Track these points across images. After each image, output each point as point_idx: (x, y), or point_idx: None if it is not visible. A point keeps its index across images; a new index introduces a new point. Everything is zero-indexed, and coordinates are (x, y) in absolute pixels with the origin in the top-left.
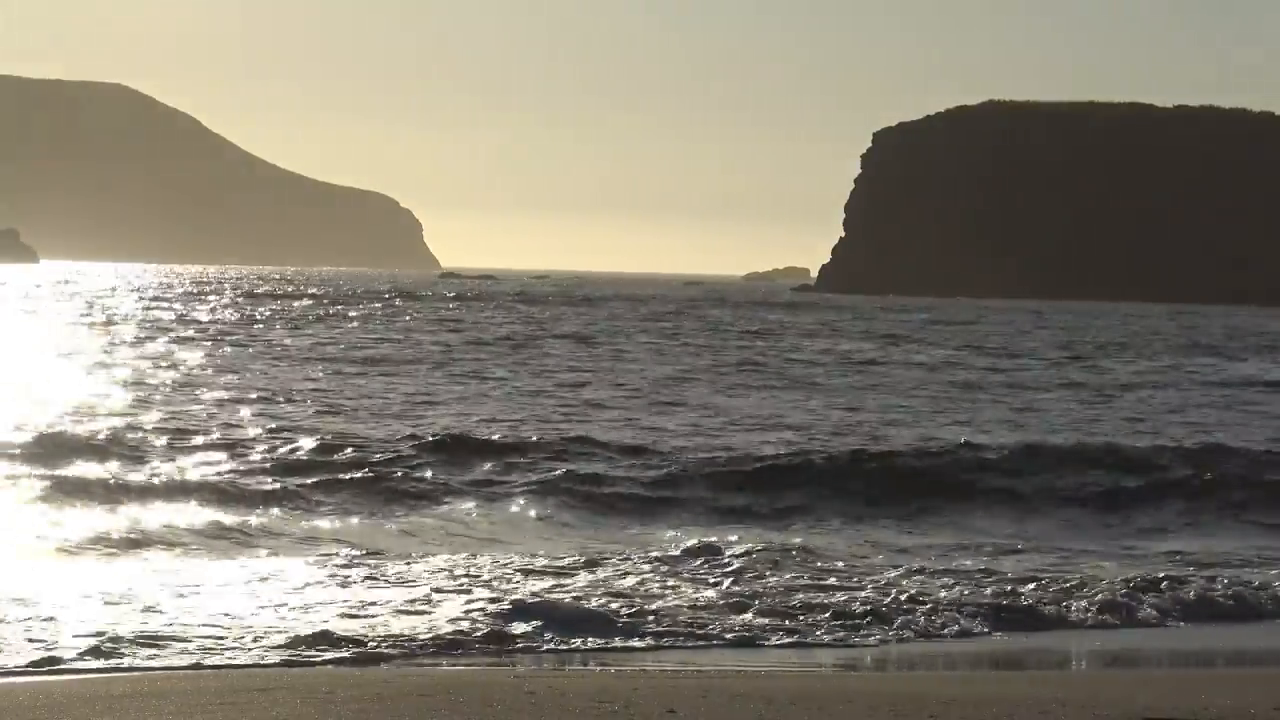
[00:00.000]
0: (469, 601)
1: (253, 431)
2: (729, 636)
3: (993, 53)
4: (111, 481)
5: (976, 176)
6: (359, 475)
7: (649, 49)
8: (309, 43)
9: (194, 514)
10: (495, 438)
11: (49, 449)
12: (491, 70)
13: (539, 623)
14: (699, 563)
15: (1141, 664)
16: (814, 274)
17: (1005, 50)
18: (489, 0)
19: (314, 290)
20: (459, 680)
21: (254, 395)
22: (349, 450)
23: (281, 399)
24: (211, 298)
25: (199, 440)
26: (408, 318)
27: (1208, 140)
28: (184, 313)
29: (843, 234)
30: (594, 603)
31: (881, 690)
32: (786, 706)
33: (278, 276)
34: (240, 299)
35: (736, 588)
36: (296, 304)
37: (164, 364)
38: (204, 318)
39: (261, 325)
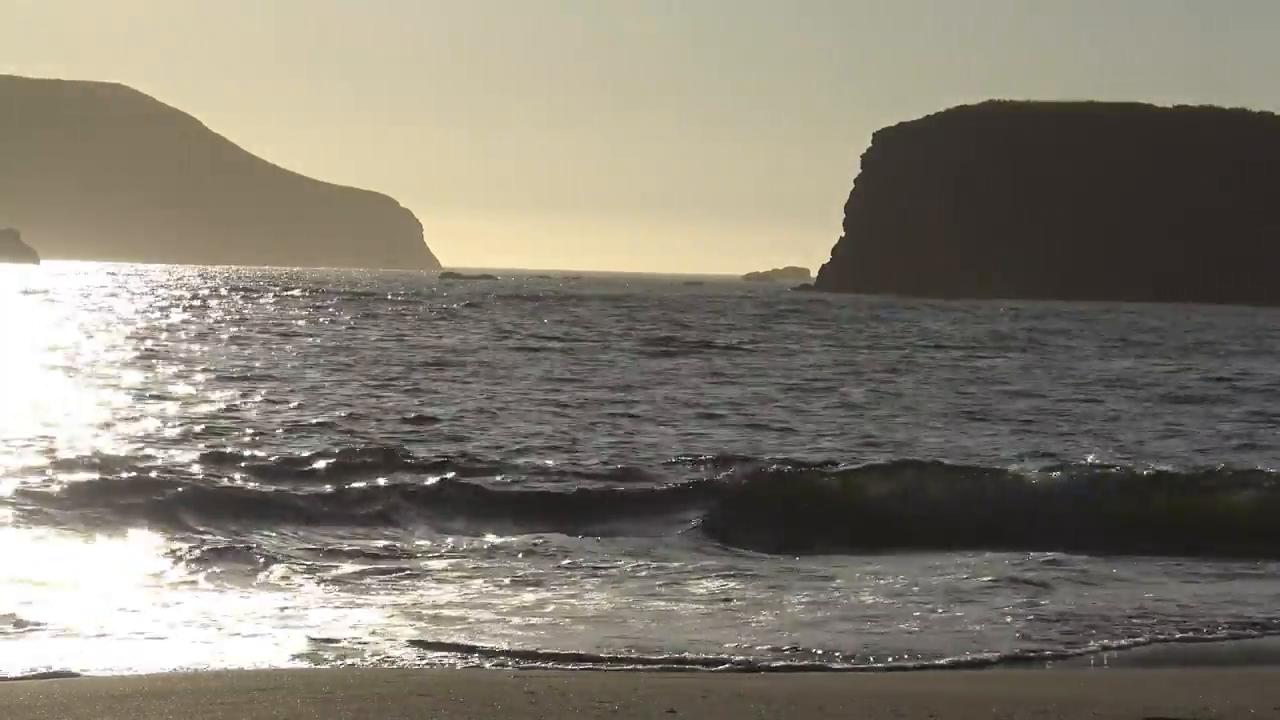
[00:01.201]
0: None
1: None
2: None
3: (993, 53)
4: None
5: (976, 176)
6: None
7: (649, 49)
8: (309, 43)
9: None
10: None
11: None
12: (492, 70)
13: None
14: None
15: (1143, 664)
16: (814, 274)
17: (1005, 50)
18: (489, 0)
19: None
20: (459, 680)
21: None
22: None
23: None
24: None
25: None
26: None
27: (1208, 140)
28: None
29: (843, 234)
30: None
31: (881, 690)
32: (787, 706)
33: (295, 276)
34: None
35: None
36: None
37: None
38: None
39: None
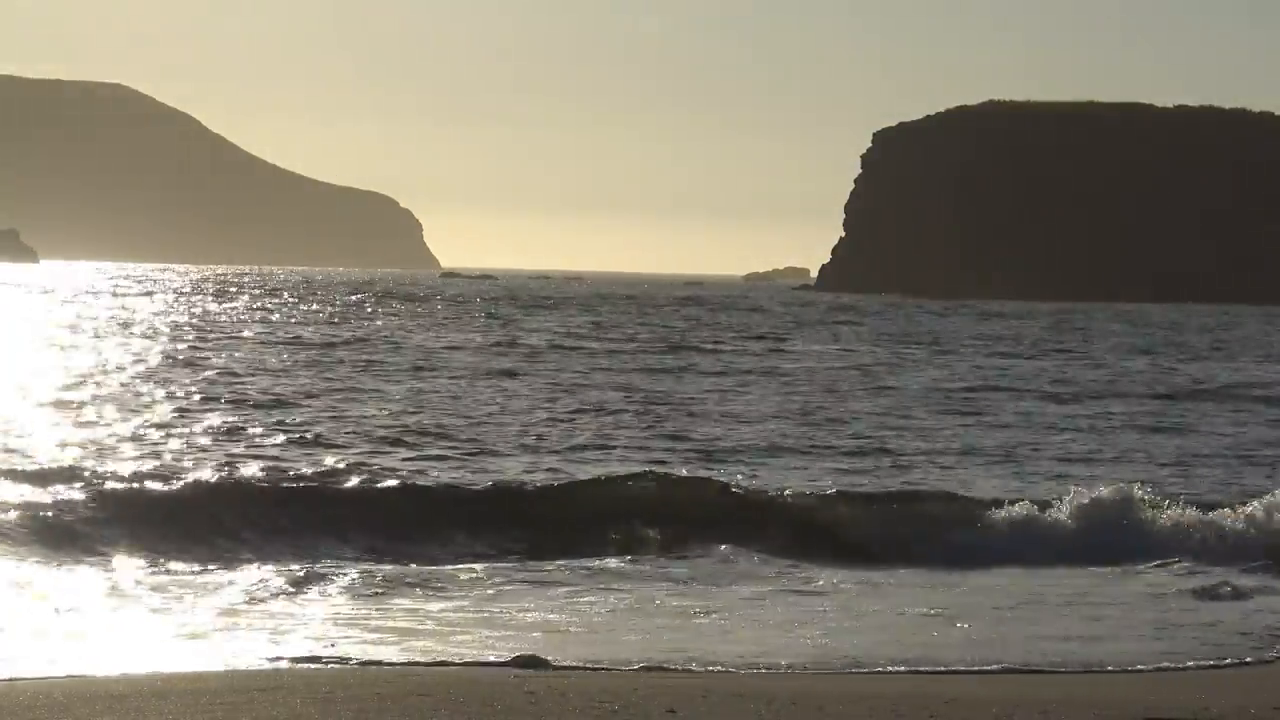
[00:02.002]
0: None
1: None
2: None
3: (993, 53)
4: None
5: (976, 176)
6: None
7: (649, 49)
8: (309, 42)
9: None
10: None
11: None
12: (491, 70)
13: None
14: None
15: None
16: (814, 274)
17: (1005, 50)
18: (489, 0)
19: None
20: (459, 680)
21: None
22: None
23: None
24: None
25: None
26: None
27: (1208, 140)
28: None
29: (843, 234)
30: None
31: (881, 690)
32: (787, 706)
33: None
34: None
35: None
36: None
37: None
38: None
39: None
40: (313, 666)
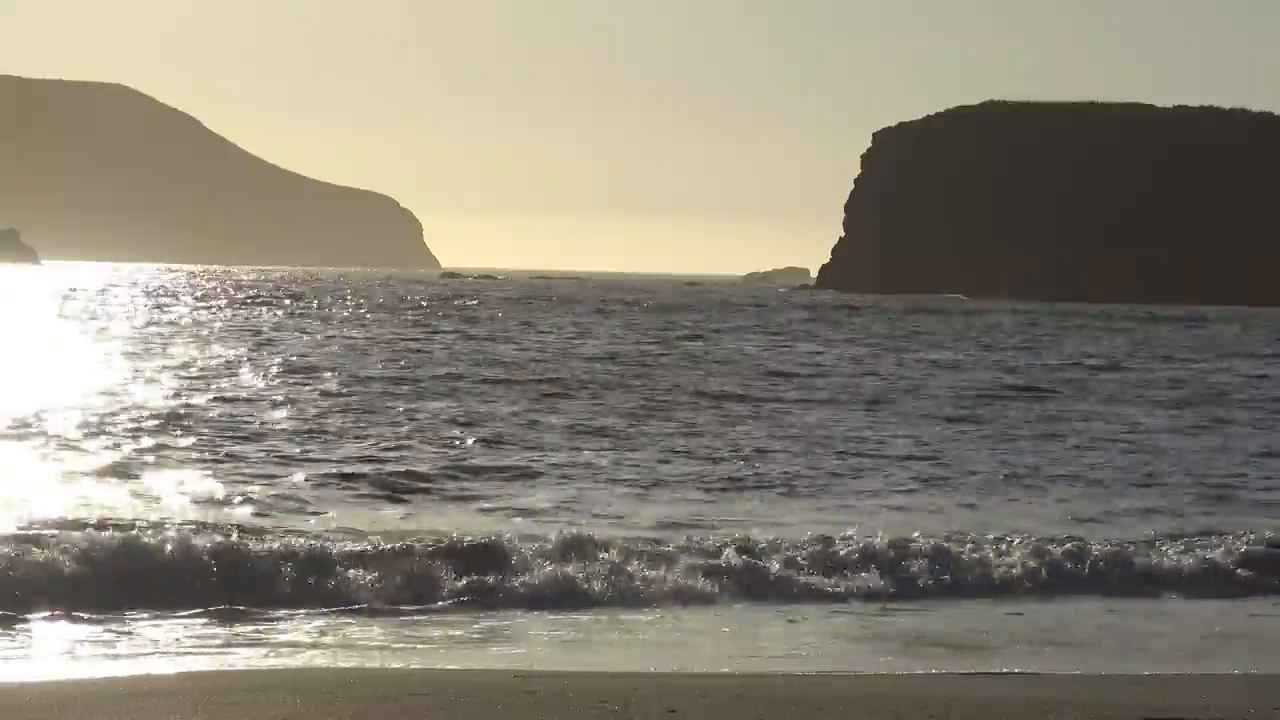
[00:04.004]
0: None
1: None
2: None
3: (993, 53)
4: None
5: (976, 176)
6: None
7: (649, 49)
8: (309, 43)
9: None
10: None
11: None
12: (491, 70)
13: None
14: None
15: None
16: (814, 274)
17: (1005, 50)
18: (489, 1)
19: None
20: (459, 680)
21: None
22: None
23: None
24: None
25: None
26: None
27: (1208, 140)
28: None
29: (843, 234)
30: None
31: (882, 690)
32: (787, 706)
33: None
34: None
35: None
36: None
37: None
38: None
39: None
40: (313, 666)
